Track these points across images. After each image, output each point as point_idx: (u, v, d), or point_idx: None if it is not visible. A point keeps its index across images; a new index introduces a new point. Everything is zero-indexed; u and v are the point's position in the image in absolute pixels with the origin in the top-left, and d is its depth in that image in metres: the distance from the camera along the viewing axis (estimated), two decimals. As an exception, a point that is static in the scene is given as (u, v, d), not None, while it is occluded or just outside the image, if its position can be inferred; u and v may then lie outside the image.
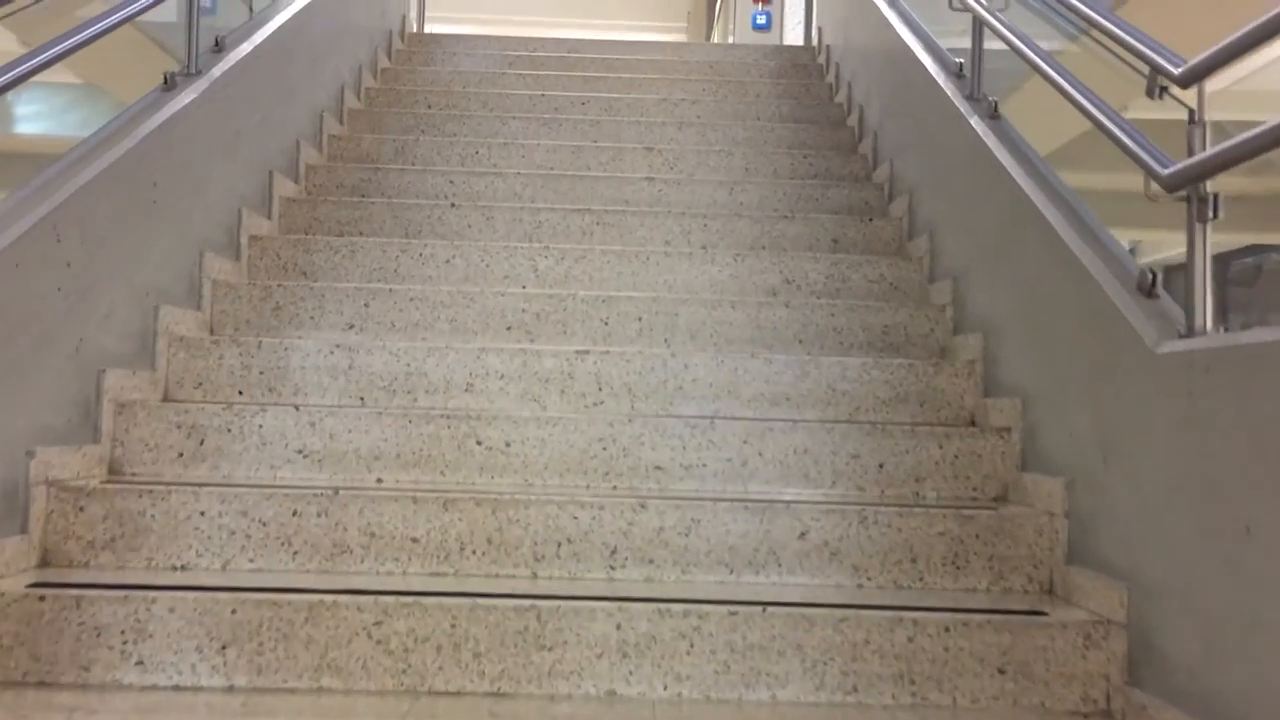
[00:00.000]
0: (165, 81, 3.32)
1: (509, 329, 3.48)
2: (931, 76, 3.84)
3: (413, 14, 6.49)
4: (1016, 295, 2.94)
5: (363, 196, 4.39)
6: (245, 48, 3.78)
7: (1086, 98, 2.52)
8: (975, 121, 3.34)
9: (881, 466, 2.87)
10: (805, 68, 6.04)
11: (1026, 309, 2.86)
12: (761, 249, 4.11)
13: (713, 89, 5.67)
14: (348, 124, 5.00)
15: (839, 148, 5.04)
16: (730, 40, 10.99)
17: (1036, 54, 2.99)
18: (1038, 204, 2.81)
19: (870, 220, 4.14)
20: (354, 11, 5.25)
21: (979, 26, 3.53)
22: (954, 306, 3.46)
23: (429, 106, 5.33)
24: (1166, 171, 2.12)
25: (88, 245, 2.69)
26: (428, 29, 7.47)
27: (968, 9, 3.50)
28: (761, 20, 9.94)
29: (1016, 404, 2.84)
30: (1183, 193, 2.10)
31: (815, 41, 6.33)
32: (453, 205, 4.11)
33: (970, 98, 3.51)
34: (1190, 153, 2.11)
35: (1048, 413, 2.66)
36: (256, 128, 3.87)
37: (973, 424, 3.16)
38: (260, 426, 2.84)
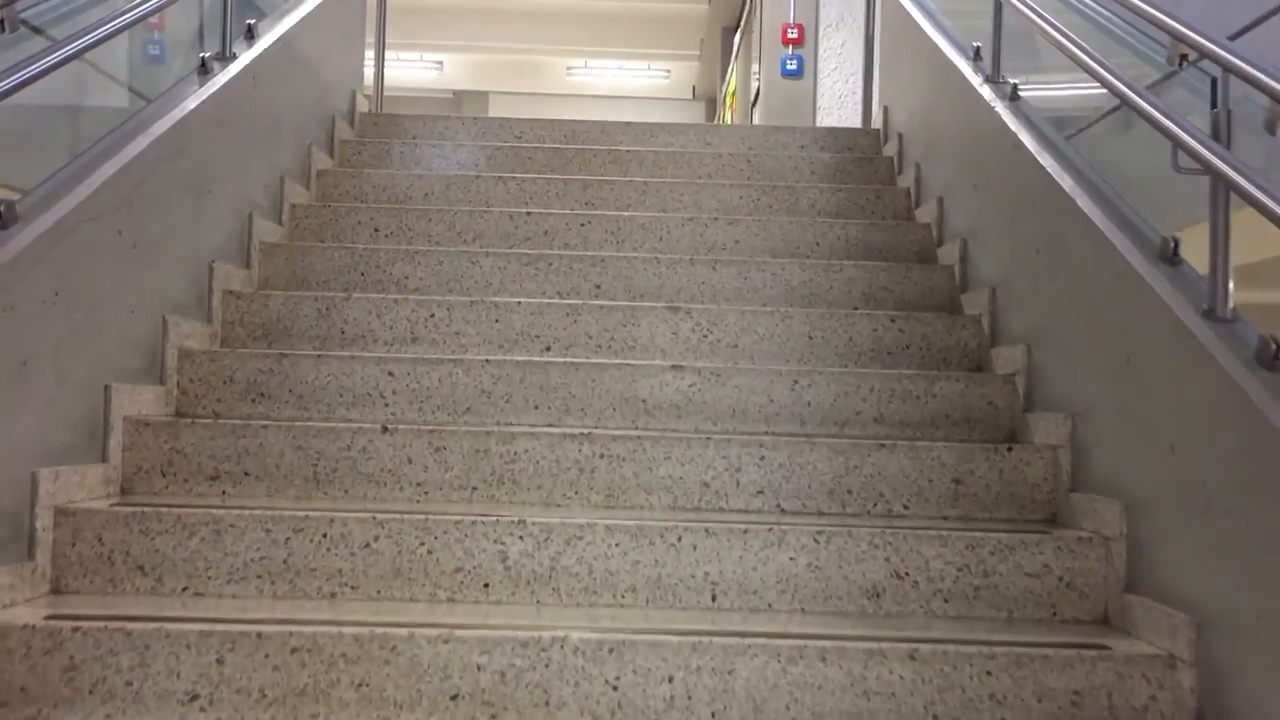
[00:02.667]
0: None
1: (454, 699, 2.12)
2: (1116, 251, 2.48)
3: (366, 90, 5.13)
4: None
5: (260, 398, 3.03)
6: (49, 218, 2.43)
7: None
8: (1234, 368, 1.97)
9: None
10: (869, 163, 4.67)
11: None
12: (847, 499, 2.74)
13: (752, 198, 4.31)
14: (258, 267, 3.65)
15: (936, 301, 3.67)
16: (754, 79, 9.64)
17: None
18: None
19: (1009, 450, 2.78)
20: (277, 100, 3.90)
21: (1222, 191, 2.16)
22: (1198, 670, 2.08)
23: (375, 232, 3.97)
24: None
25: None
26: (399, 85, 6.16)
27: (1207, 168, 2.13)
28: (792, 66, 8.57)
29: None
30: None
31: (880, 124, 4.97)
32: (386, 429, 2.75)
33: (1213, 316, 2.14)
34: None
35: None
36: (75, 331, 2.52)
37: None
38: None
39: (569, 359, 3.10)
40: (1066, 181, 2.81)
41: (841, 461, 2.76)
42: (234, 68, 3.51)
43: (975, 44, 3.78)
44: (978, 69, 3.72)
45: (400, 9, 13.48)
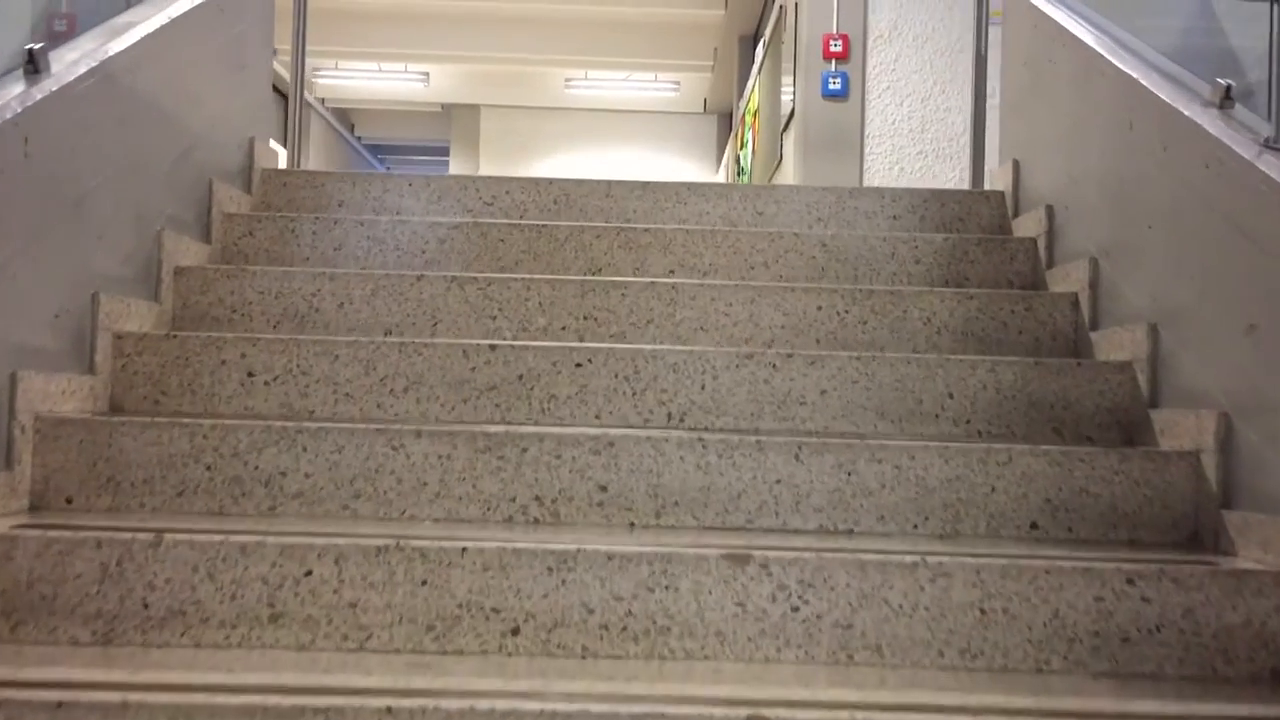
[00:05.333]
0: None
1: None
2: None
3: (270, 138, 3.63)
4: None
5: (-64, 802, 1.55)
6: None
7: None
8: None
9: None
10: (1000, 248, 3.18)
11: None
12: None
13: (837, 309, 2.82)
14: (28, 466, 2.16)
15: (1171, 517, 2.19)
16: (785, 96, 8.15)
17: None
18: None
19: None
20: (83, 172, 2.42)
21: None
22: None
23: (248, 379, 2.49)
24: None
25: None
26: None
27: None
28: (835, 85, 7.09)
29: None
30: None
31: (1005, 184, 3.48)
32: None
33: None
34: None
35: None
36: None
37: None
38: None
39: (544, 706, 1.61)
40: None
41: None
42: (-22, 126, 2.04)
43: (1225, 82, 2.30)
44: (1232, 122, 2.24)
45: (381, 16, 12.05)
